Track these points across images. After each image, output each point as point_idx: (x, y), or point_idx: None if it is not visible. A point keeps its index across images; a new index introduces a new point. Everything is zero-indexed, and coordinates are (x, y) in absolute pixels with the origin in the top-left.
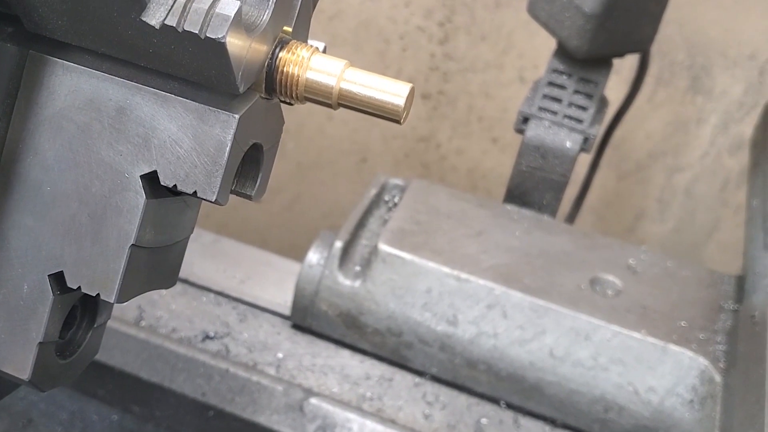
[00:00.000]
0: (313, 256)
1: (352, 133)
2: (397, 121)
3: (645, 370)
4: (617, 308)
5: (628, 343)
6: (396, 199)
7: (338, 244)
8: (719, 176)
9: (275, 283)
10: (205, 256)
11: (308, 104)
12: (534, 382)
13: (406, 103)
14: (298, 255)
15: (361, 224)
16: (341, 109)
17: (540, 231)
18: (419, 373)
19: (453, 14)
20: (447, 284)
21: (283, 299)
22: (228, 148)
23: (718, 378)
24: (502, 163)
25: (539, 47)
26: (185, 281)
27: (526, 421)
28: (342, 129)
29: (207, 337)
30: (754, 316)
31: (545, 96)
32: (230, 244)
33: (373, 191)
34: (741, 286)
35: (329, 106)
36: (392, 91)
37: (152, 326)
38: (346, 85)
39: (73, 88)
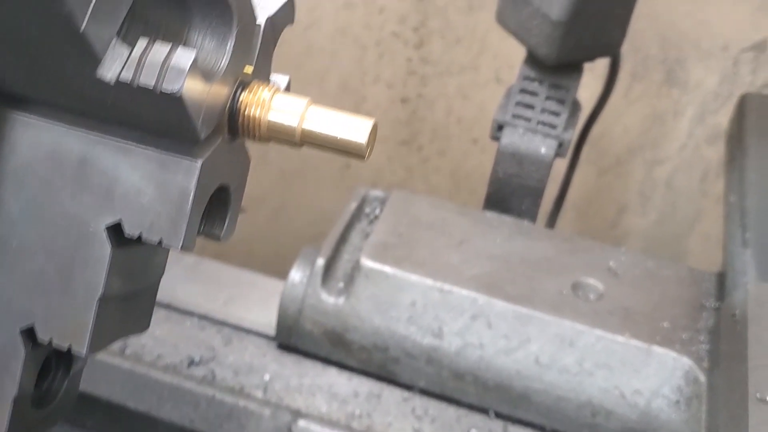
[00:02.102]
0: (296, 275)
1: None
2: (361, 158)
3: (630, 373)
4: (600, 312)
5: (612, 347)
6: (377, 211)
7: (320, 262)
8: (699, 167)
9: (259, 303)
10: (187, 280)
11: None
12: (521, 390)
13: (369, 139)
14: (286, 264)
15: (342, 239)
16: None
17: (520, 237)
18: (407, 387)
19: (427, 19)
20: (431, 297)
21: (267, 319)
22: (191, 196)
23: (702, 378)
24: (484, 163)
25: (513, 48)
26: (168, 306)
27: (515, 430)
28: None
29: (192, 363)
30: (735, 315)
31: (518, 103)
32: (212, 265)
33: (354, 204)
34: (722, 283)
35: (293, 144)
36: (355, 128)
37: (137, 354)
38: (308, 125)
39: (34, 142)
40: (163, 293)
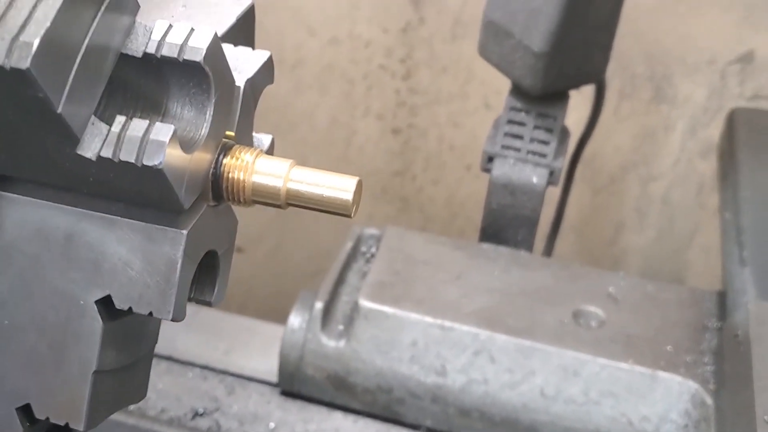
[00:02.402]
0: (295, 320)
1: None
2: (348, 216)
3: (637, 400)
4: (602, 340)
5: (616, 374)
6: (373, 250)
7: (318, 305)
8: (693, 181)
9: (260, 350)
10: (186, 330)
11: (283, 145)
12: (528, 423)
13: (354, 197)
14: (286, 303)
15: (340, 280)
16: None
17: (518, 268)
18: (414, 428)
19: (412, 50)
20: (432, 334)
21: (269, 366)
22: (179, 266)
23: (709, 400)
24: (478, 190)
25: (500, 74)
26: (169, 358)
27: None
28: None
29: (197, 415)
30: (738, 335)
31: (507, 134)
32: (210, 313)
33: (349, 244)
34: (723, 302)
35: (278, 206)
36: (340, 187)
37: (141, 409)
38: (293, 185)
39: (20, 220)
40: (163, 345)
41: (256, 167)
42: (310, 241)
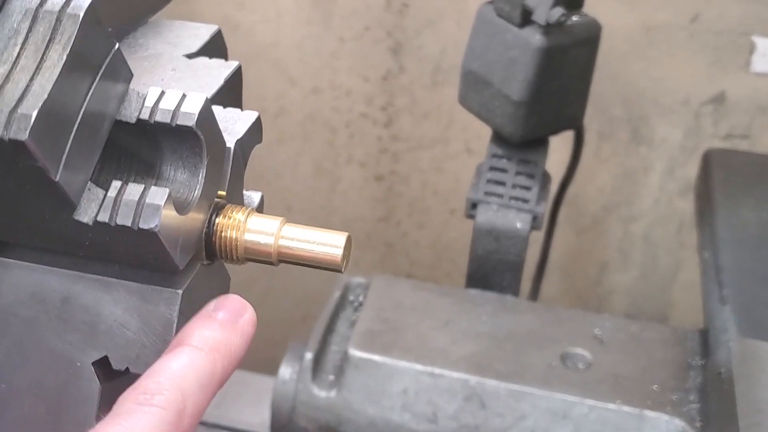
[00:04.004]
0: (285, 371)
1: (311, 221)
2: (338, 271)
3: None
4: (589, 381)
5: (605, 415)
6: (361, 298)
7: (308, 356)
8: (674, 220)
9: (251, 402)
10: None
11: (268, 194)
12: None
13: (344, 253)
14: (276, 351)
15: (329, 329)
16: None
17: (505, 312)
18: None
19: (393, 98)
20: (422, 382)
21: (260, 418)
22: (175, 325)
23: None
24: (463, 233)
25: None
26: None
27: None
28: (301, 217)
29: None
30: (721, 373)
31: (489, 180)
32: None
33: (337, 294)
34: (705, 340)
35: (270, 263)
36: (329, 243)
37: None
38: (284, 242)
39: (15, 284)
40: None
41: (248, 225)
42: (298, 288)
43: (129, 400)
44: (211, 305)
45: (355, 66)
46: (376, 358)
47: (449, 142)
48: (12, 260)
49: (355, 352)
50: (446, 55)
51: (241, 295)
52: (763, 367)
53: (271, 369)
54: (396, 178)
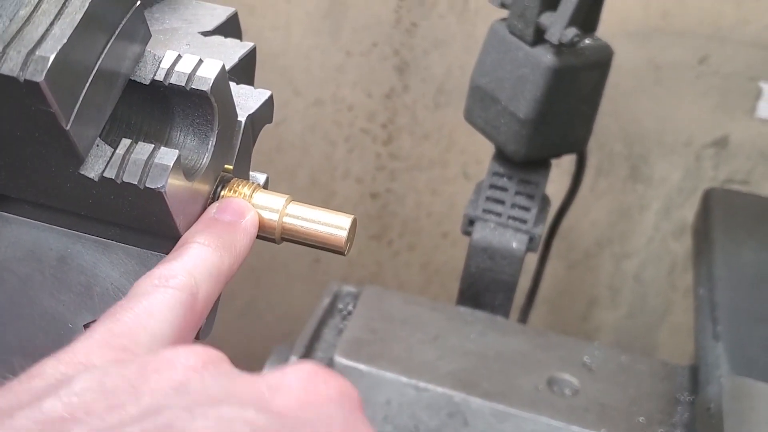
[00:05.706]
0: None
1: None
2: (341, 253)
3: None
4: (576, 408)
5: None
6: (350, 307)
7: (293, 360)
8: (666, 261)
9: None
10: None
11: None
12: None
13: (348, 235)
14: (256, 363)
15: (316, 336)
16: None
17: (494, 332)
18: None
19: (395, 116)
20: (406, 394)
21: None
22: None
23: None
24: (454, 257)
25: (480, 143)
26: None
27: None
28: None
29: None
30: (710, 408)
31: (488, 198)
32: None
33: (326, 300)
34: (695, 376)
35: (273, 240)
36: (335, 224)
37: None
38: (288, 220)
39: (13, 240)
40: None
41: (253, 200)
42: (282, 301)
43: (145, 284)
44: (213, 208)
45: (360, 81)
46: (362, 367)
47: (447, 165)
48: (11, 215)
49: (341, 360)
50: (451, 77)
51: (222, 307)
52: (753, 404)
53: None
54: (391, 196)
